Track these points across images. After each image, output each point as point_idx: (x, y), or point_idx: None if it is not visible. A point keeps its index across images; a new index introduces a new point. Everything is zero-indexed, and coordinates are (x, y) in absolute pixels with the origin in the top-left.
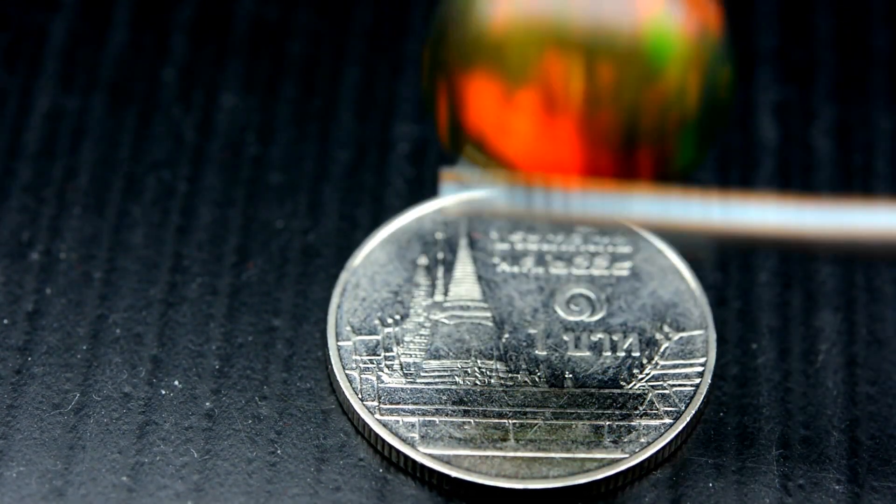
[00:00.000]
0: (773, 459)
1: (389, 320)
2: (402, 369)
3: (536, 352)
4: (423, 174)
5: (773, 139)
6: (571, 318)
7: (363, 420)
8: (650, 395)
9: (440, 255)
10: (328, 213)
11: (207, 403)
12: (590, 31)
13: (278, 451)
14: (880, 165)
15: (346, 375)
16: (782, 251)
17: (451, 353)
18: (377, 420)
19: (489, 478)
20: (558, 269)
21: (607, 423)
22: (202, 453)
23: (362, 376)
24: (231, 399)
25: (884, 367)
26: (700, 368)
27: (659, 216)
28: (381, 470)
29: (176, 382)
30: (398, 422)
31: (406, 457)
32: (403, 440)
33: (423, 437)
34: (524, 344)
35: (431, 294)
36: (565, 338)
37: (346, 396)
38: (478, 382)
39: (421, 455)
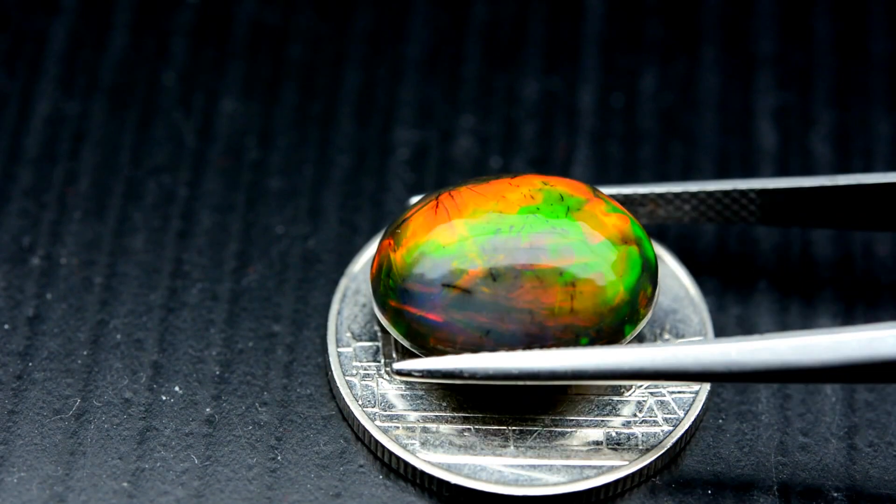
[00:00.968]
0: (771, 466)
1: None
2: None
3: None
4: (423, 179)
5: (772, 144)
6: None
7: (363, 426)
8: (649, 401)
9: None
10: (328, 219)
11: (208, 409)
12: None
13: (278, 458)
14: (879, 170)
15: (347, 382)
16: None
17: None
18: (377, 426)
19: (489, 484)
20: None
21: (606, 430)
22: (203, 459)
23: (362, 382)
24: (231, 405)
25: None
26: None
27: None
28: (381, 476)
29: (176, 388)
30: (398, 428)
31: (406, 463)
32: (403, 447)
33: (423, 443)
34: None
35: None
36: None
37: (346, 403)
38: (478, 388)
39: (421, 461)
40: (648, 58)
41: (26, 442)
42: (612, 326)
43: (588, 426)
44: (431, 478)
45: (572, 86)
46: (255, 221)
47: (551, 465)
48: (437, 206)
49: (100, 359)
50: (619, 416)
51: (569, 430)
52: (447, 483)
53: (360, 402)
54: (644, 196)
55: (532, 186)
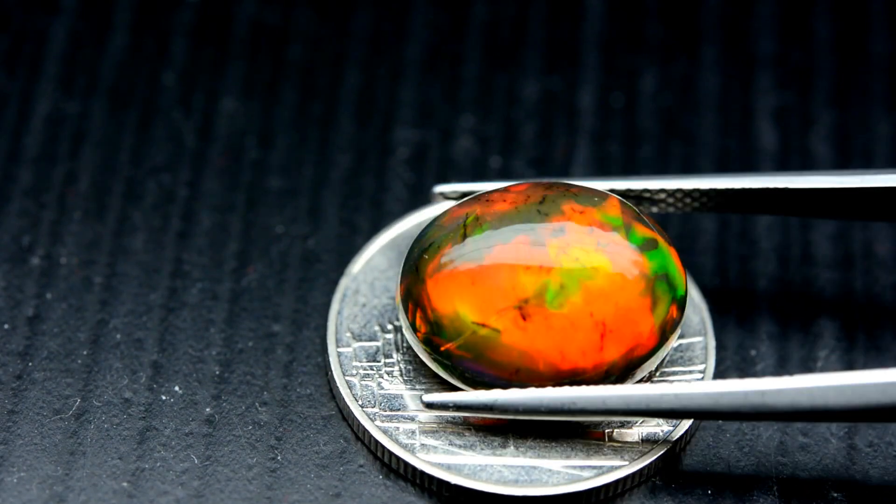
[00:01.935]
0: (771, 467)
1: (389, 326)
2: (402, 375)
3: None
4: (423, 179)
5: (772, 144)
6: None
7: (363, 426)
8: None
9: None
10: (328, 219)
11: (208, 409)
12: None
13: (278, 457)
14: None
15: (346, 381)
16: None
17: None
18: (377, 426)
19: (489, 484)
20: None
21: (606, 430)
22: (202, 459)
23: (362, 382)
24: (231, 405)
25: None
26: (700, 375)
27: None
28: (380, 476)
29: (176, 388)
30: (398, 428)
31: (406, 463)
32: (403, 447)
33: (422, 443)
34: None
35: None
36: None
37: (346, 402)
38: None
39: (421, 461)
40: (648, 58)
41: (26, 442)
42: (642, 361)
43: (588, 426)
44: (431, 478)
45: (572, 86)
46: (255, 221)
47: (551, 466)
48: (465, 237)
49: (100, 359)
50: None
51: (568, 430)
52: (447, 483)
53: (359, 402)
54: (662, 190)
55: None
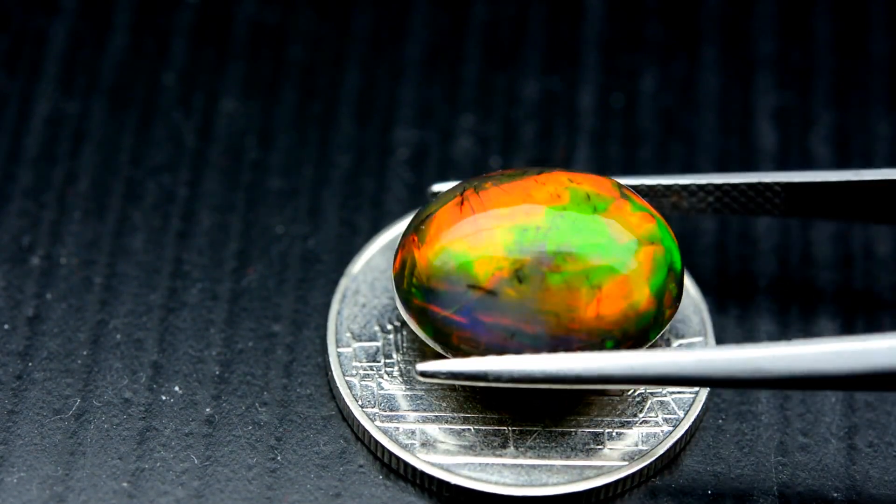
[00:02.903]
0: (771, 467)
1: (389, 326)
2: (401, 376)
3: None
4: (423, 179)
5: (772, 144)
6: None
7: (363, 427)
8: (649, 402)
9: None
10: (328, 219)
11: (208, 409)
12: None
13: (278, 458)
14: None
15: (346, 382)
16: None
17: None
18: (377, 427)
19: (489, 485)
20: None
21: (606, 430)
22: (202, 459)
23: (362, 383)
24: (231, 405)
25: None
26: None
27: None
28: (380, 477)
29: (176, 388)
30: (398, 428)
31: (406, 463)
32: (403, 447)
33: (422, 443)
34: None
35: None
36: None
37: (346, 403)
38: (477, 389)
39: (421, 462)
40: (648, 58)
41: (26, 442)
42: (638, 330)
43: (588, 426)
44: (431, 478)
45: (572, 86)
46: (255, 221)
47: (551, 466)
48: (462, 203)
49: (99, 359)
50: (618, 416)
51: (568, 430)
52: (447, 483)
53: (359, 403)
54: (668, 188)
55: (559, 184)
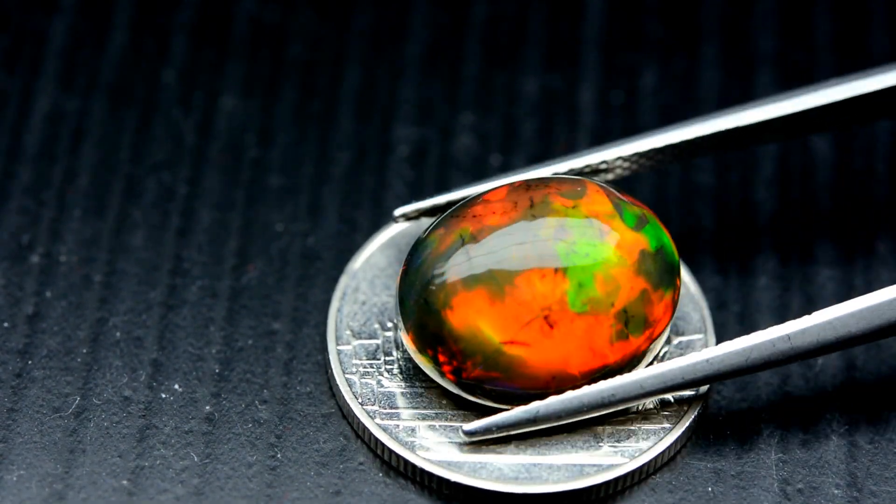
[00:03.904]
0: (772, 464)
1: (389, 324)
2: (401, 373)
3: None
4: (423, 177)
5: (773, 144)
6: None
7: (363, 424)
8: (650, 399)
9: None
10: (328, 216)
11: (207, 407)
12: None
13: (278, 455)
14: (880, 168)
15: (346, 379)
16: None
17: None
18: (377, 424)
19: (489, 482)
20: None
21: (607, 427)
22: (202, 457)
23: (362, 380)
24: (231, 403)
25: (883, 370)
26: None
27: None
28: (380, 474)
29: (176, 386)
30: (398, 426)
31: (406, 461)
32: (403, 444)
33: (422, 441)
34: None
35: None
36: None
37: (345, 400)
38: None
39: (421, 459)
40: (648, 55)
41: (26, 440)
42: (660, 336)
43: (588, 424)
44: (431, 475)
45: (572, 83)
46: (255, 219)
47: (551, 463)
48: (469, 257)
49: (99, 356)
50: (619, 413)
51: (569, 427)
52: (447, 481)
53: (359, 400)
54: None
55: (555, 214)
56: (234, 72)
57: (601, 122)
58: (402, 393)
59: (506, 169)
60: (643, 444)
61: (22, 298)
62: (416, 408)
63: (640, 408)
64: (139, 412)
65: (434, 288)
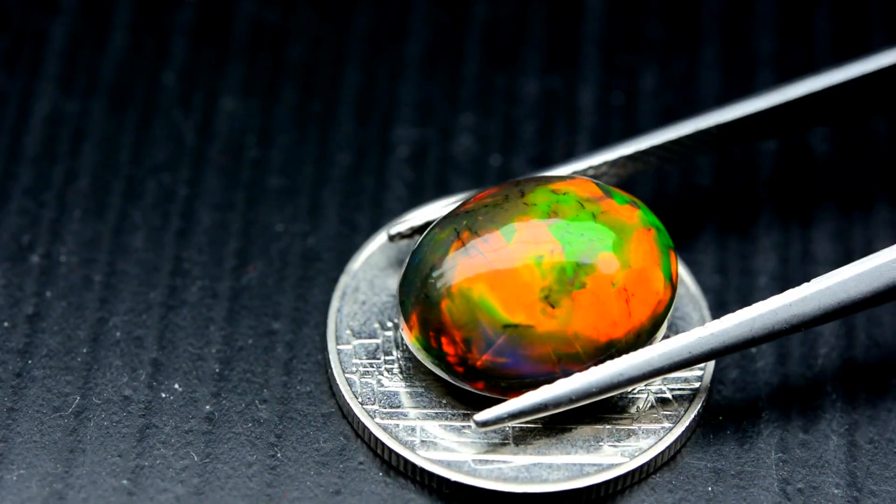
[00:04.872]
0: (772, 463)
1: (389, 324)
2: (401, 373)
3: None
4: (423, 178)
5: (772, 144)
6: None
7: (363, 424)
8: (650, 398)
9: None
10: (328, 217)
11: (207, 407)
12: None
13: (278, 455)
14: (878, 170)
15: (346, 379)
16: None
17: None
18: (377, 424)
19: (489, 482)
20: None
21: (607, 427)
22: (202, 456)
23: (362, 380)
24: (231, 402)
25: (882, 371)
26: (699, 372)
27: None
28: (380, 474)
29: (176, 386)
30: (398, 425)
31: (406, 460)
32: (403, 444)
33: (422, 440)
34: None
35: None
36: None
37: (345, 400)
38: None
39: (421, 459)
40: (648, 56)
41: (26, 439)
42: (662, 314)
43: (588, 423)
44: (431, 475)
45: (572, 84)
46: (255, 219)
47: (551, 463)
48: (465, 246)
49: (99, 356)
50: (619, 413)
51: (569, 426)
52: (447, 480)
53: (359, 400)
54: (615, 161)
55: (547, 198)
56: (234, 72)
57: (601, 123)
58: (402, 392)
59: (505, 169)
60: (643, 444)
61: (22, 298)
62: (416, 407)
63: (640, 407)
64: (139, 412)
65: (433, 281)
